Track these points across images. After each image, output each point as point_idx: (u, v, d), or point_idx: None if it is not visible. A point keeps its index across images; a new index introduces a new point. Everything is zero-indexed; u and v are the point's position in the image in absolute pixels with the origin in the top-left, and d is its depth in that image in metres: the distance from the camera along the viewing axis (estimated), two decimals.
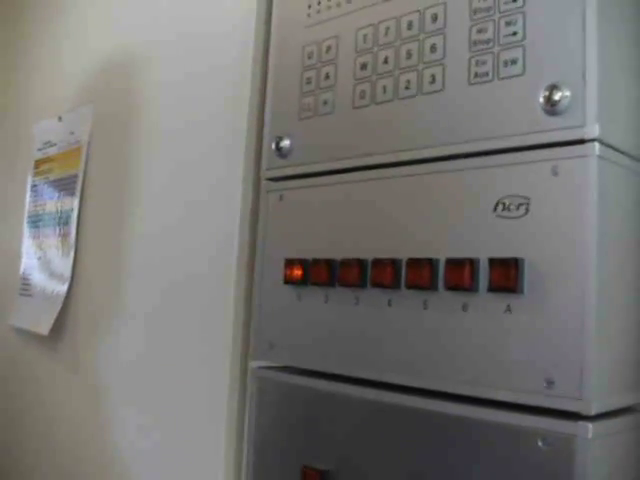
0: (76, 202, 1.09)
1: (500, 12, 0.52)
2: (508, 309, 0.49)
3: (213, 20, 0.86)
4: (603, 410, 0.45)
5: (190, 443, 0.81)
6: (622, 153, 0.49)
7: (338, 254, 0.61)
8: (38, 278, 1.19)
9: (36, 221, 1.23)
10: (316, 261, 0.62)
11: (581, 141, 0.47)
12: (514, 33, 0.51)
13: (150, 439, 0.87)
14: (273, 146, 0.68)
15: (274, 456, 0.65)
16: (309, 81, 0.66)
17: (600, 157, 0.46)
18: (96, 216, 1.06)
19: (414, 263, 0.54)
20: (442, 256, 0.53)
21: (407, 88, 0.58)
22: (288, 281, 0.64)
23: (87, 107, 1.10)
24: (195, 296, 0.83)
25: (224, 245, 0.79)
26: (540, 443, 0.46)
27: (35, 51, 1.37)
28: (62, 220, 1.13)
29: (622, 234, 0.49)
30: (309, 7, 0.68)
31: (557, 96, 0.47)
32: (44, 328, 1.08)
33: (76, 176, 1.09)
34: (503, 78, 0.51)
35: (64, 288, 1.08)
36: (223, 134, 0.81)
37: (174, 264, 0.87)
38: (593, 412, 0.44)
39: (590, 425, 0.44)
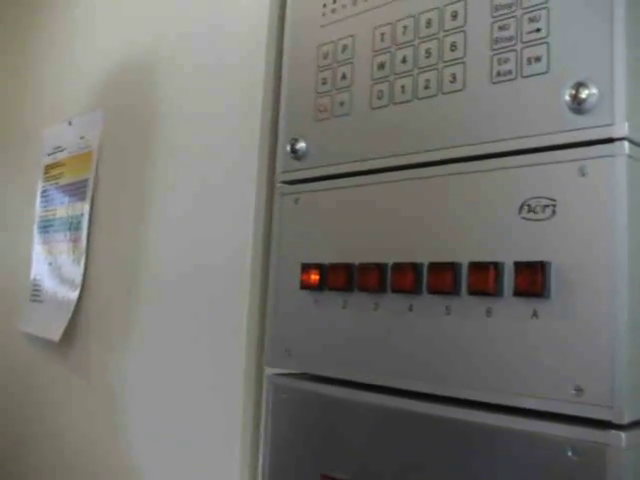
0: (87, 207, 1.08)
1: (523, 8, 0.50)
2: (534, 314, 0.47)
3: (226, 20, 0.85)
4: (636, 418, 0.44)
5: (205, 451, 0.79)
6: None
7: (356, 259, 0.59)
8: (49, 284, 1.18)
9: (46, 226, 1.22)
10: (334, 266, 0.60)
11: (609, 140, 0.45)
12: (537, 30, 0.49)
13: (164, 446, 0.86)
14: (288, 148, 0.67)
15: (291, 464, 0.63)
16: (325, 81, 0.65)
17: (630, 156, 0.45)
18: (108, 221, 1.05)
19: (436, 267, 0.53)
20: (465, 260, 0.51)
21: (427, 88, 0.56)
22: (305, 286, 0.63)
23: (97, 111, 1.09)
24: (209, 302, 0.82)
25: (238, 250, 0.78)
26: (570, 453, 0.44)
27: (44, 54, 1.37)
28: (73, 225, 1.12)
29: None
30: (324, 6, 0.66)
31: (584, 94, 0.46)
32: (55, 334, 1.07)
33: (87, 180, 1.09)
34: (527, 76, 0.50)
35: (75, 294, 1.07)
36: (237, 135, 0.80)
37: (187, 269, 0.85)
38: (626, 421, 0.43)
39: (623, 434, 0.42)
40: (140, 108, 0.98)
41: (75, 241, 1.12)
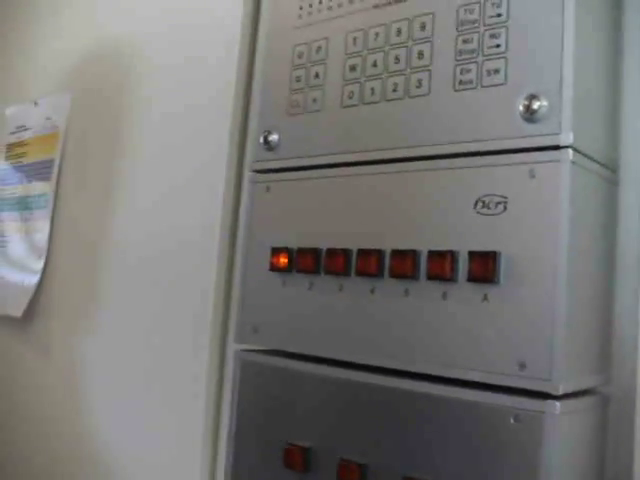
0: (51, 186, 1.10)
1: (485, 25, 0.56)
2: (485, 298, 0.53)
3: (201, 12, 0.89)
4: (569, 391, 0.50)
5: (168, 425, 0.83)
6: (591, 159, 0.54)
7: (323, 244, 0.64)
8: (4, 262, 1.20)
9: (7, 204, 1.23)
10: (302, 250, 0.65)
11: (556, 147, 0.51)
12: (497, 45, 0.55)
13: (128, 421, 0.90)
14: (261, 140, 0.71)
15: (258, 436, 0.68)
16: (299, 79, 0.70)
17: (573, 162, 0.51)
18: (73, 202, 1.07)
19: (398, 253, 0.58)
20: (424, 248, 0.57)
21: (395, 90, 0.62)
22: (274, 268, 0.68)
23: (65, 93, 1.12)
24: (174, 285, 0.85)
25: (205, 233, 0.83)
26: (512, 420, 0.51)
27: (12, 32, 1.36)
28: (28, 204, 1.14)
29: (590, 232, 0.54)
30: (300, 8, 0.71)
31: (535, 105, 0.52)
32: (17, 310, 1.09)
33: (52, 161, 1.11)
34: (486, 86, 0.56)
35: (38, 271, 1.09)
36: (208, 127, 0.85)
37: (153, 253, 0.89)
38: (560, 392, 0.49)
39: (558, 403, 0.49)
40: (111, 95, 1.01)
41: (27, 220, 1.14)
